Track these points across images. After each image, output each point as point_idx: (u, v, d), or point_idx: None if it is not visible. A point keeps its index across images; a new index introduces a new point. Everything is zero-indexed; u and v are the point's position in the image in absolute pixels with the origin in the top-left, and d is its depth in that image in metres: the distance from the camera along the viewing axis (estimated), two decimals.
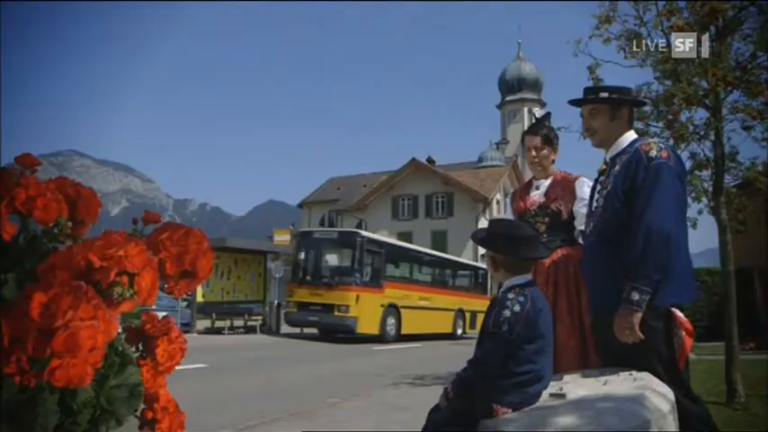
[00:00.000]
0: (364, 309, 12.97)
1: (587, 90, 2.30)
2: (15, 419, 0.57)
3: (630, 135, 2.21)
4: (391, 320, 13.99)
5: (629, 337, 1.90)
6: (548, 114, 2.89)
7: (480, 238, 2.03)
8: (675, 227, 1.95)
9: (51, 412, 0.58)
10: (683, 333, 1.97)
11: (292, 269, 14.40)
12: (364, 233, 14.17)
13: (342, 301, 12.78)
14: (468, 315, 18.18)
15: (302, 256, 13.86)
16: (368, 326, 13.15)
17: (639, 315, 1.89)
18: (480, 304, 18.37)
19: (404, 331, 14.36)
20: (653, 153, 2.02)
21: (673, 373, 1.94)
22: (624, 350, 1.95)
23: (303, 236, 15.06)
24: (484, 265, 19.05)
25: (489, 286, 19.23)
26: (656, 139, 2.15)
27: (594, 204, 2.21)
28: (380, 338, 13.49)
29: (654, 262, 1.89)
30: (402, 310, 14.38)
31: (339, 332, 13.39)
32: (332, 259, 14.05)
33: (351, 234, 13.96)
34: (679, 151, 5.12)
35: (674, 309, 1.99)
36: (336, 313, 12.75)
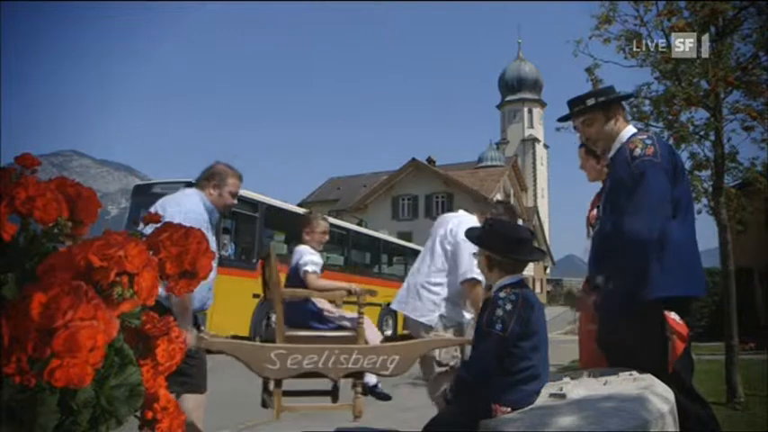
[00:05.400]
0: (221, 300, 7.60)
1: (572, 102, 2.21)
2: (15, 419, 0.57)
3: (627, 132, 2.13)
4: (274, 317, 8.44)
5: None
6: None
7: (477, 236, 2.02)
8: (653, 230, 1.89)
9: (51, 412, 0.58)
10: (675, 337, 1.95)
11: None
12: None
13: None
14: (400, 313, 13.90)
15: (138, 224, 7.57)
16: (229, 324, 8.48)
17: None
18: None
19: None
20: (637, 151, 1.96)
21: (662, 373, 1.92)
22: (621, 347, 1.97)
23: (138, 192, 9.80)
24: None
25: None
26: (645, 136, 2.05)
27: (601, 207, 2.19)
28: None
29: (630, 266, 1.89)
30: None
31: None
32: None
33: None
34: (679, 151, 5.13)
35: (668, 312, 1.94)
36: None
